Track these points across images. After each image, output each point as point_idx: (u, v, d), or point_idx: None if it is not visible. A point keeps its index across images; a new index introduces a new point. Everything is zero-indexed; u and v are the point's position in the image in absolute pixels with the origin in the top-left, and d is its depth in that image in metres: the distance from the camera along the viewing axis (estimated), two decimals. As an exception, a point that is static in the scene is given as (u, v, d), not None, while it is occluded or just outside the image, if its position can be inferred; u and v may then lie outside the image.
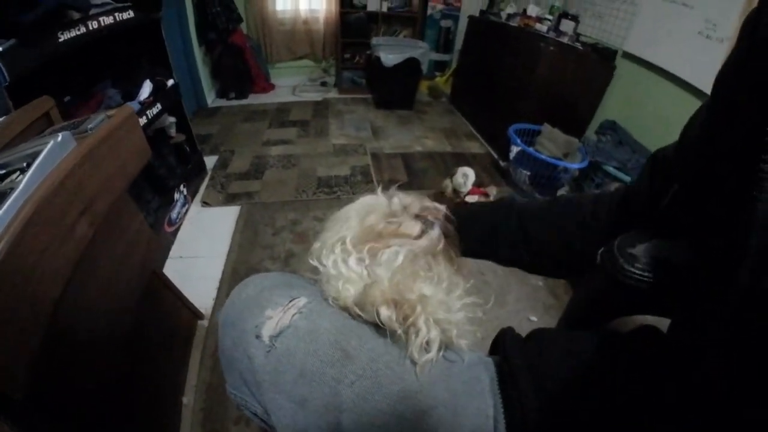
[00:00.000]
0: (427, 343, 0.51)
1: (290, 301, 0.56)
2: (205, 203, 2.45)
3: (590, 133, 2.83)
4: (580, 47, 2.73)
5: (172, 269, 1.89)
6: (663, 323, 0.53)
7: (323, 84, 4.68)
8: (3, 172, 0.78)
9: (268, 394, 0.51)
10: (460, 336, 0.55)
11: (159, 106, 1.97)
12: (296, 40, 4.46)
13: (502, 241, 0.72)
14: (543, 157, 2.46)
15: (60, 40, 1.37)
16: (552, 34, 2.86)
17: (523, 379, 0.50)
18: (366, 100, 4.35)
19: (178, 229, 2.20)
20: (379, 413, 0.47)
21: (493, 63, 3.36)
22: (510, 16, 3.39)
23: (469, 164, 2.73)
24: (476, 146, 3.49)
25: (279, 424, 0.51)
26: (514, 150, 2.66)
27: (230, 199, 2.50)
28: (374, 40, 3.98)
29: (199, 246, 2.12)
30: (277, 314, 0.54)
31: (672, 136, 0.55)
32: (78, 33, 1.45)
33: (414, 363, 0.50)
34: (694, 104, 0.50)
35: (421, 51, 3.80)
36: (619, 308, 0.60)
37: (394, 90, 4.02)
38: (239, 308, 0.59)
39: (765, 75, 0.33)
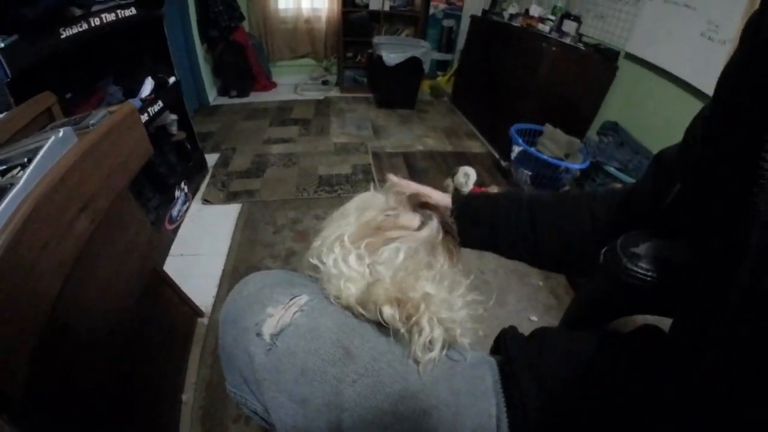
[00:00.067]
0: (430, 342, 0.51)
1: (291, 299, 0.56)
2: (206, 201, 2.44)
3: (592, 133, 2.83)
4: (583, 48, 2.73)
5: (172, 267, 1.88)
6: (664, 323, 0.53)
7: (325, 83, 4.68)
8: (4, 167, 0.78)
9: (269, 393, 0.51)
10: (463, 335, 0.55)
11: (160, 103, 1.97)
12: (298, 38, 4.46)
13: (508, 233, 0.71)
14: (544, 157, 2.45)
15: (62, 36, 1.37)
16: (554, 35, 2.85)
17: (525, 379, 0.49)
18: (367, 99, 4.34)
19: (178, 227, 2.20)
20: (380, 412, 0.47)
21: (495, 63, 3.36)
22: (512, 16, 3.39)
23: (470, 164, 2.73)
24: (477, 146, 3.48)
25: (279, 422, 0.51)
26: (516, 150, 2.66)
27: (231, 197, 2.50)
28: (376, 39, 3.98)
29: (200, 244, 2.12)
30: (278, 312, 0.54)
31: (674, 137, 0.55)
32: (80, 29, 1.45)
33: (417, 362, 0.50)
34: (696, 106, 0.50)
35: (423, 50, 3.79)
36: (621, 308, 0.60)
37: (395, 89, 4.02)
38: (240, 306, 0.59)
39: (767, 77, 0.33)
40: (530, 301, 1.88)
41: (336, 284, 0.56)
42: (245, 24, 4.10)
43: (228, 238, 2.16)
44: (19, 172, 0.75)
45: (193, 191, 2.48)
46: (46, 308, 0.72)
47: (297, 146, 3.23)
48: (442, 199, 0.74)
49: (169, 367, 1.38)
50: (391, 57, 3.66)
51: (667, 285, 0.48)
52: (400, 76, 3.83)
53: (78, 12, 1.46)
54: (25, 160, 0.77)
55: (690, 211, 0.47)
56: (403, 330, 0.51)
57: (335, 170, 2.89)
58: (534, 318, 1.79)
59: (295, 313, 0.53)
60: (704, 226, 0.44)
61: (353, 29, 4.23)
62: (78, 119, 0.98)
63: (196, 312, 1.61)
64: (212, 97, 4.10)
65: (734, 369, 0.35)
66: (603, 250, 0.55)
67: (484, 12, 3.86)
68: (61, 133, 0.80)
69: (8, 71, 1.15)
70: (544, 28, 2.98)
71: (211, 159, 2.88)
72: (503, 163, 3.05)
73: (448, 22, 4.48)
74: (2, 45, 1.15)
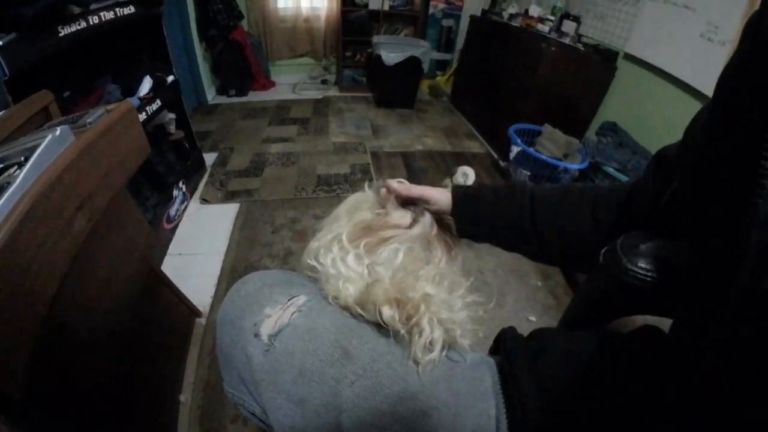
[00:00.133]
0: (431, 343, 0.51)
1: (289, 300, 0.56)
2: (204, 200, 2.44)
3: (591, 134, 2.83)
4: (582, 48, 2.73)
5: (170, 266, 1.88)
6: (664, 323, 0.53)
7: (324, 82, 4.67)
8: (1, 166, 0.77)
9: (267, 394, 0.51)
10: (463, 336, 0.54)
11: (159, 102, 1.96)
12: (297, 37, 4.46)
13: (508, 231, 0.70)
14: (543, 157, 2.45)
15: (60, 34, 1.37)
16: (554, 35, 2.85)
17: (525, 380, 0.49)
18: (366, 99, 4.34)
19: (176, 226, 2.20)
20: (379, 413, 0.47)
21: (495, 63, 3.35)
22: (512, 16, 3.39)
23: (469, 164, 2.71)
24: (476, 146, 3.48)
25: (277, 423, 0.51)
26: (515, 150, 2.66)
27: (229, 197, 2.49)
28: (375, 39, 3.97)
29: (198, 243, 2.11)
30: (276, 312, 0.54)
31: (673, 138, 0.55)
32: (78, 28, 1.45)
33: (417, 363, 0.50)
34: (695, 106, 0.50)
35: (423, 50, 3.79)
36: (621, 308, 0.60)
37: (394, 89, 4.01)
38: (238, 306, 0.58)
39: (766, 77, 0.33)
40: (529, 301, 1.88)
41: (335, 284, 0.56)
42: (244, 23, 4.09)
43: (226, 237, 2.16)
44: (16, 170, 0.74)
45: (192, 190, 2.47)
46: (43, 308, 0.72)
47: (296, 146, 3.22)
48: (440, 196, 0.74)
49: (167, 367, 1.38)
50: (391, 56, 3.65)
51: (667, 285, 0.48)
52: (400, 76, 3.83)
53: (77, 10, 1.45)
54: (22, 158, 0.76)
55: (689, 210, 0.47)
56: (402, 331, 0.51)
57: (334, 170, 2.89)
58: (533, 318, 1.78)
59: (293, 314, 0.53)
60: (704, 226, 0.44)
61: (352, 28, 4.22)
62: (75, 118, 0.97)
63: (194, 312, 1.61)
64: (211, 96, 4.09)
65: (734, 369, 0.35)
66: (603, 250, 0.55)
67: (484, 12, 3.86)
68: (57, 132, 0.80)
69: (6, 70, 1.15)
70: (544, 28, 2.98)
71: (210, 158, 2.87)
72: (502, 163, 3.05)
73: (447, 22, 4.48)
74: (0, 43, 1.14)
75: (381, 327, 0.53)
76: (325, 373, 0.48)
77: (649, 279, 0.49)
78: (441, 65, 4.84)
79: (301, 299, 0.56)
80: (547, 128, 2.66)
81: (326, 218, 0.70)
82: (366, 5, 4.20)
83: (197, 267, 1.95)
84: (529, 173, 2.63)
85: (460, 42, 4.40)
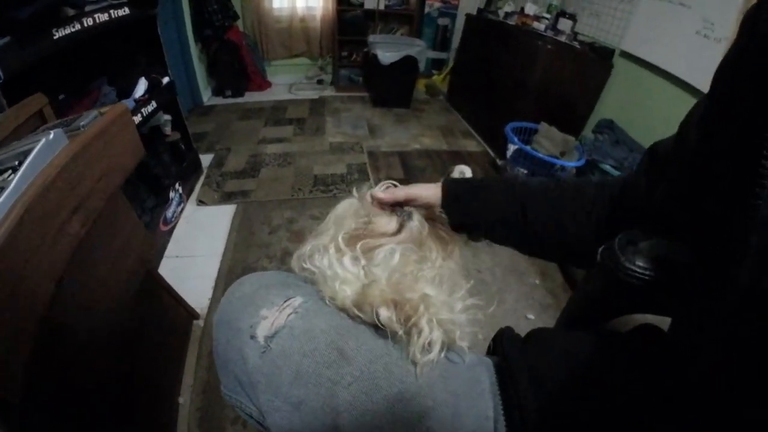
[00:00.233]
0: (429, 343, 0.50)
1: (286, 301, 0.55)
2: (201, 202, 2.43)
3: (587, 131, 2.83)
4: (578, 46, 2.73)
5: (167, 268, 1.88)
6: (664, 322, 0.53)
7: (320, 82, 4.67)
8: (-5, 171, 0.77)
9: (264, 396, 0.50)
10: (462, 337, 0.54)
11: (154, 103, 1.95)
12: (293, 37, 4.44)
13: (499, 218, 0.69)
14: (540, 155, 2.46)
15: (55, 37, 1.36)
16: (550, 33, 2.86)
17: (523, 380, 0.49)
18: (363, 98, 4.34)
19: (173, 228, 2.19)
20: (376, 415, 0.47)
21: (491, 61, 3.35)
22: (507, 15, 3.39)
23: (466, 162, 2.71)
24: (473, 144, 3.48)
25: (274, 425, 0.50)
26: (511, 148, 2.66)
27: (226, 198, 2.49)
28: (371, 38, 3.98)
29: (195, 245, 2.11)
30: (273, 314, 0.54)
31: (669, 135, 0.55)
32: (73, 30, 1.44)
33: (415, 364, 0.50)
34: (692, 103, 0.50)
35: (419, 49, 3.79)
36: (619, 307, 0.60)
37: (391, 88, 4.01)
38: (234, 307, 0.58)
39: (765, 72, 0.33)
40: (527, 299, 1.88)
41: (331, 286, 0.56)
42: (239, 23, 4.07)
43: (223, 239, 2.15)
44: (10, 175, 0.74)
45: (188, 192, 2.47)
46: (40, 311, 0.72)
47: (292, 146, 3.22)
48: (428, 191, 0.72)
49: (166, 370, 1.37)
50: (387, 56, 3.65)
51: (665, 283, 0.48)
52: (396, 75, 3.83)
53: (71, 12, 1.45)
54: (16, 163, 0.76)
55: (684, 206, 0.47)
56: (400, 332, 0.51)
57: (330, 170, 2.88)
58: (531, 316, 1.79)
59: (289, 315, 0.53)
60: (699, 222, 0.44)
61: (348, 28, 4.22)
62: (69, 121, 0.97)
63: (192, 314, 1.60)
64: (207, 97, 4.08)
65: (733, 367, 0.35)
66: (600, 249, 0.55)
67: (479, 10, 3.85)
68: (51, 135, 0.80)
69: (1, 73, 1.14)
70: (540, 26, 2.98)
71: (206, 159, 2.87)
72: (499, 162, 3.05)
73: (443, 21, 4.47)
74: (-6, 47, 1.14)
75: (378, 328, 0.52)
76: (322, 375, 0.48)
77: (647, 277, 0.48)
78: (437, 64, 4.84)
79: (298, 300, 0.55)
80: (543, 126, 2.66)
81: (316, 229, 0.69)
82: (361, 5, 4.19)
83: (195, 269, 1.94)
84: (526, 171, 2.63)
85: (456, 41, 4.40)
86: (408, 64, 3.76)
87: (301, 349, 0.50)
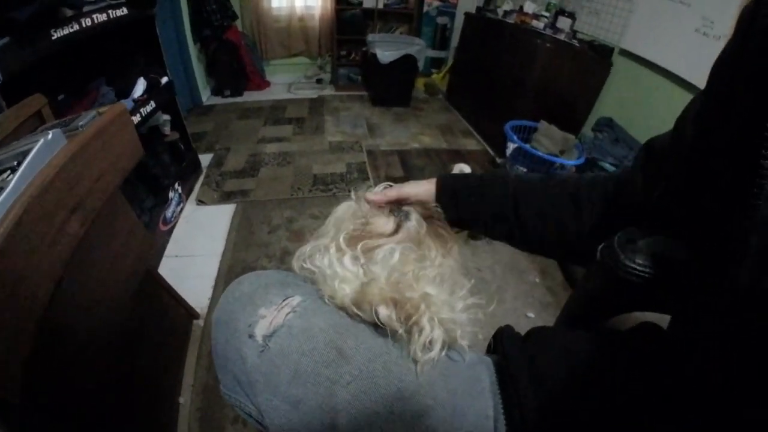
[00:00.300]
0: (430, 342, 0.50)
1: (284, 300, 0.55)
2: (201, 202, 2.43)
3: (587, 129, 2.83)
4: (577, 44, 2.73)
5: (167, 268, 1.88)
6: (663, 320, 0.53)
7: (319, 81, 4.66)
8: (-6, 171, 0.77)
9: (262, 395, 0.50)
10: (463, 336, 0.54)
11: (153, 103, 1.95)
12: (291, 37, 4.43)
13: (492, 212, 0.69)
14: (539, 153, 2.45)
15: (53, 37, 1.36)
16: (549, 31, 2.86)
17: (523, 380, 0.49)
18: (362, 97, 4.33)
19: (173, 228, 2.19)
20: (375, 414, 0.47)
21: (490, 60, 3.35)
22: (506, 13, 3.38)
23: (465, 161, 2.72)
24: (473, 143, 3.48)
25: (272, 425, 0.50)
26: (511, 147, 2.66)
27: (225, 198, 2.49)
28: (370, 37, 3.97)
29: (195, 245, 2.11)
30: (271, 313, 0.54)
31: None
32: (71, 30, 1.44)
33: (415, 362, 0.50)
34: (691, 102, 0.50)
35: (418, 48, 3.79)
36: (619, 305, 0.60)
37: (390, 87, 4.01)
38: (233, 306, 0.58)
39: (764, 71, 0.33)
40: (527, 298, 1.88)
41: (331, 285, 0.56)
42: (238, 23, 4.07)
43: (223, 238, 2.15)
44: (9, 175, 0.74)
45: (187, 192, 2.47)
46: (39, 311, 0.72)
47: (291, 145, 3.22)
48: (420, 188, 0.72)
49: (166, 370, 1.37)
50: (386, 55, 3.65)
51: (665, 281, 0.48)
52: (395, 74, 3.83)
53: (69, 13, 1.45)
54: (15, 163, 0.76)
55: (681, 203, 0.47)
56: (401, 330, 0.50)
57: (330, 169, 2.88)
58: (531, 315, 1.79)
59: (287, 314, 0.53)
60: (696, 220, 0.43)
61: (347, 27, 4.22)
62: (67, 121, 0.97)
63: (192, 314, 1.60)
64: (206, 96, 4.07)
65: (732, 366, 0.35)
66: (600, 247, 0.54)
67: (478, 9, 3.86)
68: (50, 136, 0.80)
69: (-1, 74, 1.14)
70: (539, 24, 2.98)
71: (205, 159, 2.87)
72: (498, 160, 3.05)
73: (442, 20, 4.47)
74: (-8, 48, 1.14)
75: (378, 327, 0.52)
76: (321, 374, 0.48)
77: (647, 275, 0.48)
78: (436, 63, 4.84)
79: (296, 299, 0.55)
80: (543, 125, 2.66)
81: (316, 231, 0.69)
82: (360, 4, 4.19)
83: (194, 269, 1.94)
84: (525, 170, 2.63)
85: (455, 39, 4.41)
86: (407, 62, 3.76)
87: (300, 348, 0.49)
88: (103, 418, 0.97)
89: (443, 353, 0.52)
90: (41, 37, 1.32)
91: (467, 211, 0.70)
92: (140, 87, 1.93)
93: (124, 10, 1.74)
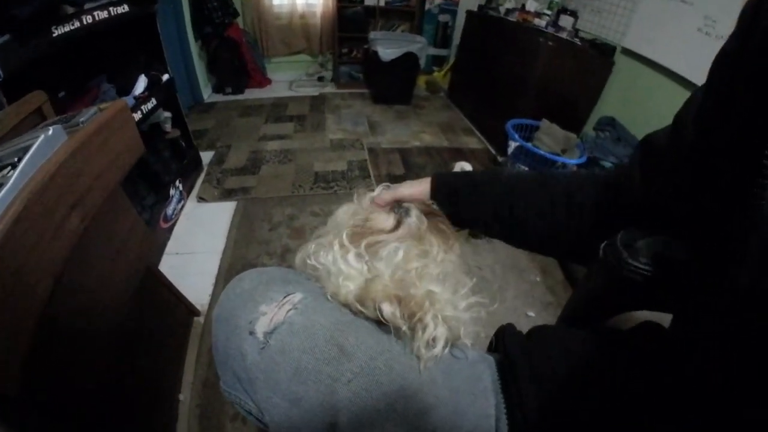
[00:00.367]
0: (434, 339, 0.50)
1: (285, 297, 0.55)
2: (201, 199, 2.43)
3: (589, 128, 2.83)
4: (579, 43, 2.72)
5: (168, 265, 1.88)
6: (665, 319, 0.53)
7: (320, 79, 4.65)
8: (-5, 168, 0.77)
9: (262, 393, 0.50)
10: (466, 335, 0.54)
11: (154, 101, 1.95)
12: (293, 34, 4.42)
13: (488, 210, 0.69)
14: (541, 152, 2.45)
15: (54, 35, 1.36)
16: (551, 30, 2.84)
17: (524, 379, 0.49)
18: (363, 95, 4.32)
19: (173, 225, 2.19)
20: (376, 412, 0.47)
21: (492, 58, 3.34)
22: (508, 11, 3.37)
23: (466, 159, 2.72)
24: (474, 141, 3.47)
25: (272, 422, 0.50)
26: (512, 145, 2.65)
27: (226, 195, 2.49)
28: (372, 35, 3.96)
29: (195, 242, 2.11)
30: (272, 310, 0.53)
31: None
32: (72, 27, 1.43)
33: (419, 358, 0.50)
34: (693, 101, 0.49)
35: (419, 46, 3.77)
36: (621, 304, 0.60)
37: (391, 85, 4.00)
38: (233, 303, 0.58)
39: (764, 66, 0.32)
40: (527, 297, 1.88)
41: (335, 282, 0.56)
42: (239, 20, 4.07)
43: (224, 235, 2.15)
44: (9, 171, 0.74)
45: (188, 189, 2.47)
46: (39, 307, 0.72)
47: (292, 143, 3.21)
48: (412, 189, 0.71)
49: (166, 367, 1.37)
50: (387, 52, 3.64)
51: (667, 280, 0.48)
52: (396, 72, 3.82)
53: (70, 10, 1.44)
54: (15, 159, 0.76)
55: (680, 200, 0.46)
56: (404, 327, 0.50)
57: (331, 167, 2.88)
58: (531, 314, 1.78)
59: (288, 311, 0.53)
60: (696, 219, 0.43)
61: (348, 25, 4.20)
62: (68, 117, 0.97)
63: (192, 311, 1.60)
64: (207, 94, 4.07)
65: (732, 366, 0.35)
66: (603, 245, 0.54)
67: (480, 7, 3.84)
68: (50, 132, 0.79)
69: (0, 71, 1.14)
70: (541, 23, 2.96)
71: (206, 156, 2.86)
72: (500, 159, 3.05)
73: (443, 18, 4.46)
74: (-6, 45, 1.14)
75: (380, 324, 0.52)
76: (322, 372, 0.48)
77: (649, 274, 0.48)
78: (438, 61, 4.83)
79: (297, 296, 0.55)
80: (544, 123, 2.65)
81: (317, 231, 0.69)
82: (362, 1, 4.18)
83: (195, 266, 1.94)
84: (527, 168, 2.62)
85: (456, 37, 4.39)
86: (409, 60, 3.75)
87: (301, 346, 0.49)
88: (103, 415, 0.97)
89: (446, 350, 0.52)
90: (42, 35, 1.31)
91: (465, 210, 0.70)
92: (141, 84, 1.92)
93: (126, 8, 1.73)
